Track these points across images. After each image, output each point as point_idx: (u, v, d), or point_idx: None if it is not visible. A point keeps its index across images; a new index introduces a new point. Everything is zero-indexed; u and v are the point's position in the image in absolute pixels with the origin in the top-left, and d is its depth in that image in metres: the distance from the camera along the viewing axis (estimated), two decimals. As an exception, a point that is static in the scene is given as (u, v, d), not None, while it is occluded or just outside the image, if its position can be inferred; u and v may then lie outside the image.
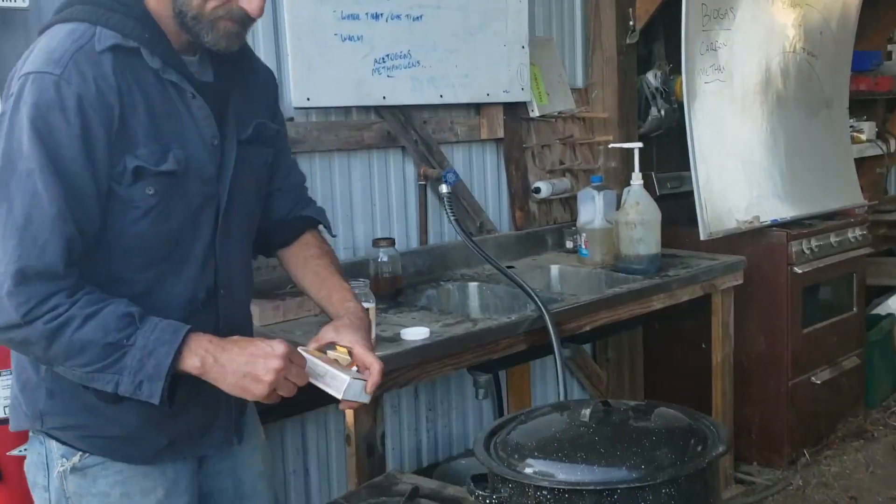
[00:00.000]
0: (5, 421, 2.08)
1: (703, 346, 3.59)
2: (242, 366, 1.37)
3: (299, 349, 1.49)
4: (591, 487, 1.06)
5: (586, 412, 1.18)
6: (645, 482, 1.05)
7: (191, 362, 1.37)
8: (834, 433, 3.91)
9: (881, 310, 4.60)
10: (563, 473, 1.10)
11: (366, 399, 1.49)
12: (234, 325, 1.58)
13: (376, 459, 2.35)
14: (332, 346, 1.58)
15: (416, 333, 2.41)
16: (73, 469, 1.54)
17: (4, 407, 2.09)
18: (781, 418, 3.63)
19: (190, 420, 1.59)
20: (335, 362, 1.52)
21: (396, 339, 2.39)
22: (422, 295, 3.06)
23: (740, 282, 3.43)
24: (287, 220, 1.77)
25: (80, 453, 1.53)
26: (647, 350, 4.03)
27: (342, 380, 1.45)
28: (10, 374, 2.07)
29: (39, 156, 1.30)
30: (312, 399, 2.66)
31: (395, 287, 2.89)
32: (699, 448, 1.15)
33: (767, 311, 3.61)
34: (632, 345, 4.01)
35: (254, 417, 1.83)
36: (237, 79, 1.59)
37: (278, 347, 1.39)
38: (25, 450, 2.12)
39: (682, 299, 3.23)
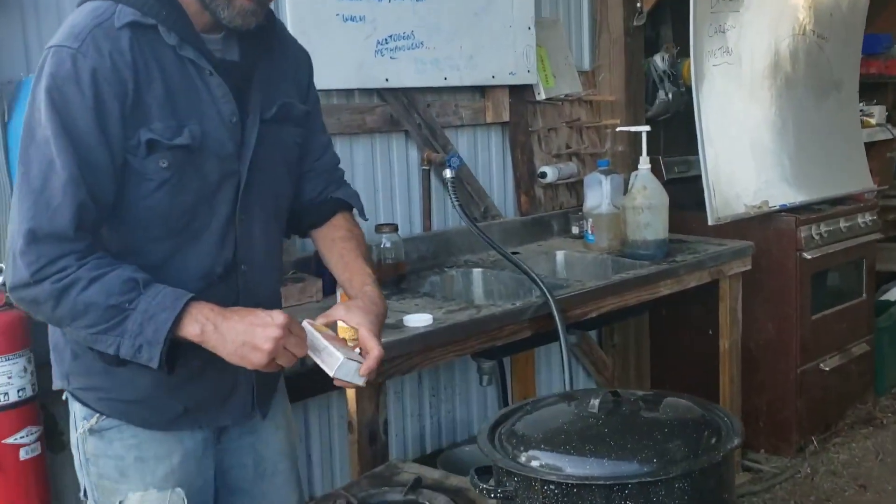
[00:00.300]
0: (0, 408, 2.06)
1: (710, 332, 3.55)
2: (241, 334, 1.38)
3: (304, 322, 1.49)
4: (602, 482, 1.01)
5: (595, 402, 1.13)
6: (657, 476, 1.00)
7: (190, 329, 1.38)
8: (842, 420, 3.87)
9: (890, 296, 4.55)
10: (572, 467, 1.05)
11: (359, 381, 1.47)
12: (259, 303, 1.55)
13: (378, 447, 2.33)
14: (334, 325, 1.57)
15: (419, 320, 2.38)
16: (91, 430, 1.57)
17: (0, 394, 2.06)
18: (790, 406, 3.58)
19: (206, 388, 1.59)
20: (343, 341, 1.52)
21: (399, 325, 2.36)
22: (425, 281, 3.02)
23: (748, 267, 3.39)
24: (318, 202, 1.78)
25: (98, 415, 1.56)
26: (654, 336, 3.99)
27: (336, 358, 1.44)
28: (5, 359, 2.06)
29: (54, 125, 1.35)
30: (314, 385, 2.65)
31: (398, 273, 2.85)
32: (713, 440, 1.10)
33: (776, 298, 3.56)
34: (638, 331, 3.97)
35: (282, 395, 1.81)
36: (264, 58, 1.59)
37: (278, 317, 1.40)
38: (23, 437, 2.10)
39: (689, 285, 3.19)
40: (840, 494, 3.33)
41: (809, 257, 3.51)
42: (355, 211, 1.83)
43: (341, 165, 2.54)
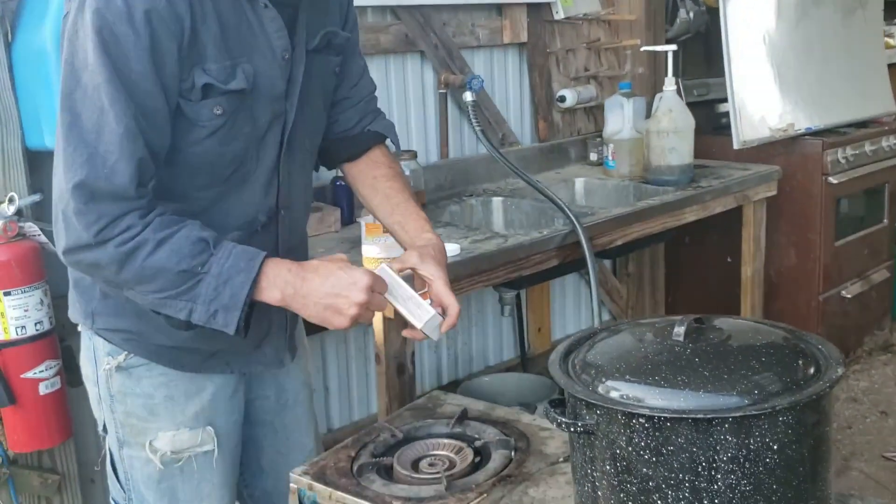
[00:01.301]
0: (18, 342, 1.98)
1: (729, 259, 3.48)
2: (324, 297, 1.33)
3: (383, 265, 1.44)
4: (700, 416, 0.93)
5: (680, 330, 1.05)
6: (762, 409, 0.92)
7: (270, 294, 1.33)
8: (861, 347, 3.83)
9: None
10: (664, 399, 0.97)
11: (436, 336, 1.45)
12: (292, 245, 1.54)
13: (406, 379, 2.27)
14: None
15: (447, 250, 2.28)
16: (119, 368, 1.50)
17: (16, 328, 1.97)
18: (811, 334, 3.53)
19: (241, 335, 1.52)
20: (418, 291, 1.48)
21: (426, 255, 2.27)
22: (444, 211, 2.93)
23: (774, 193, 3.30)
24: (354, 134, 1.67)
25: (126, 353, 1.49)
26: (669, 265, 3.91)
27: (427, 311, 1.41)
28: (21, 292, 1.96)
29: (106, 69, 1.23)
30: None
31: (419, 203, 2.73)
32: (811, 370, 1.02)
33: (799, 224, 3.48)
34: (653, 260, 3.90)
35: (300, 330, 1.76)
36: None
37: (361, 280, 1.33)
38: (42, 371, 2.03)
39: (714, 211, 3.10)
40: (861, 421, 3.31)
41: (835, 182, 3.41)
42: (388, 141, 1.73)
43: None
